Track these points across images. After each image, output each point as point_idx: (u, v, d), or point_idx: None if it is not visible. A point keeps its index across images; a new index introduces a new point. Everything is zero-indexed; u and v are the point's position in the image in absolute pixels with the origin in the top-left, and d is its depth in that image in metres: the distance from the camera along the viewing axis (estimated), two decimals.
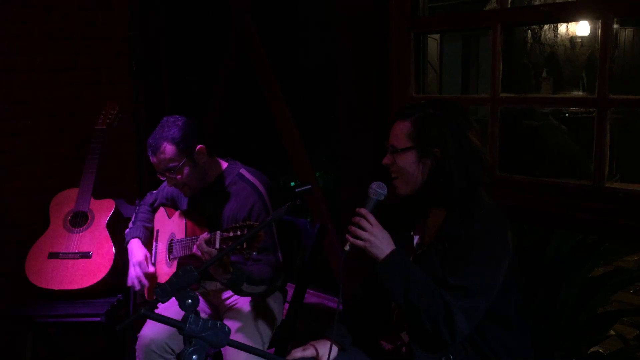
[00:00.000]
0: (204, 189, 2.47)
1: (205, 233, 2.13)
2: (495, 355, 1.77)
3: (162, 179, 2.46)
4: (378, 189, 1.75)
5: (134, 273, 2.52)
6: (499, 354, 1.77)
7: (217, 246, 2.04)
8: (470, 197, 1.77)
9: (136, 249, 2.57)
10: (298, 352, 1.89)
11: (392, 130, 1.81)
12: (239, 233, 1.95)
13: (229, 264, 2.10)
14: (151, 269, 2.54)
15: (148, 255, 2.57)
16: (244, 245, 1.92)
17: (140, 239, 2.61)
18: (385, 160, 1.82)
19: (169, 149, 2.33)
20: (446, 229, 1.78)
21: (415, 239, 1.90)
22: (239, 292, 2.23)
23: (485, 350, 1.76)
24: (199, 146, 2.39)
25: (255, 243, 1.92)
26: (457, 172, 1.72)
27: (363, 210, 1.73)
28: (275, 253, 2.35)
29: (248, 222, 1.98)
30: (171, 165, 2.35)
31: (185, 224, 2.42)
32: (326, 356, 1.87)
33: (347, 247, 1.72)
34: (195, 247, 2.13)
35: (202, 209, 2.49)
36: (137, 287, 2.53)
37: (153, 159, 2.37)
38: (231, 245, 1.96)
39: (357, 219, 1.72)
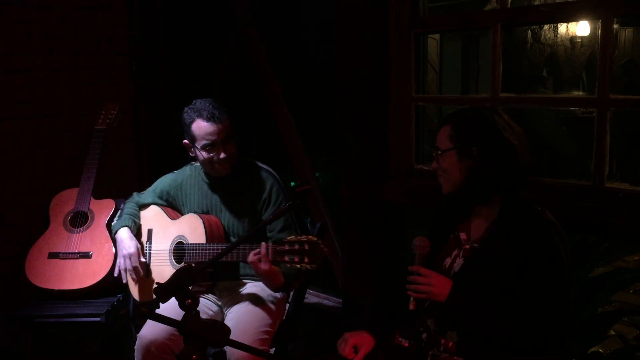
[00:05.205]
0: (219, 181, 2.54)
1: (261, 248, 2.21)
2: None
3: (203, 155, 2.43)
4: (422, 244, 1.89)
5: (124, 265, 2.52)
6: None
7: (271, 258, 2.18)
8: (513, 195, 1.85)
9: (127, 240, 2.53)
10: (342, 345, 1.99)
11: (437, 136, 1.94)
12: (296, 247, 2.07)
13: (279, 274, 2.31)
14: (142, 260, 2.53)
15: (139, 246, 2.54)
16: (305, 260, 2.05)
17: (129, 228, 2.57)
18: (433, 165, 1.96)
19: (227, 118, 2.44)
20: (499, 228, 1.84)
21: (462, 236, 1.97)
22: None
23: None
24: None
25: (318, 260, 2.05)
26: (493, 171, 1.82)
27: (414, 268, 1.86)
28: (296, 230, 2.48)
29: (303, 237, 2.08)
30: (230, 133, 2.45)
31: (205, 228, 2.43)
32: (363, 346, 1.96)
33: (412, 304, 1.86)
34: (261, 267, 2.22)
35: (214, 208, 2.55)
36: (124, 280, 2.55)
37: (217, 126, 2.40)
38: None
39: (412, 277, 1.85)
